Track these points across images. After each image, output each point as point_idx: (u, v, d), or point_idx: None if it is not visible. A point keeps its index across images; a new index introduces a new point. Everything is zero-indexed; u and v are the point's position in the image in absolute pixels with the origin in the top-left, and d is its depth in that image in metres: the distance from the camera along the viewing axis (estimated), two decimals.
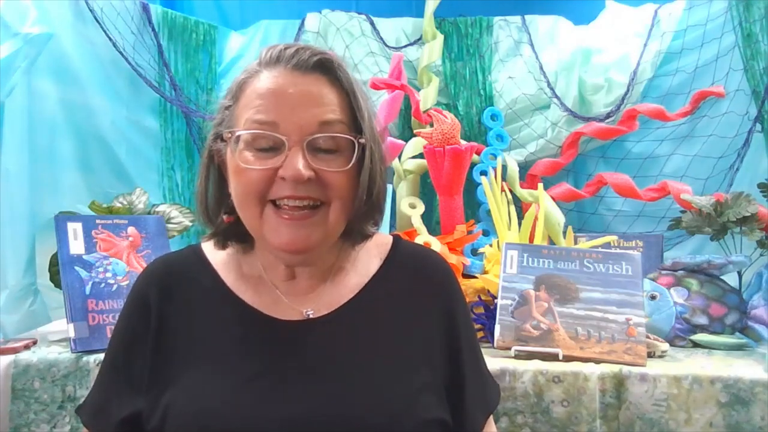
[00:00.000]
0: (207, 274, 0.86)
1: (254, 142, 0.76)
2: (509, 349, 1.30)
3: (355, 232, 0.84)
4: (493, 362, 1.18)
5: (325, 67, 0.78)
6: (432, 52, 2.02)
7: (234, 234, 0.84)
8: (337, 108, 0.77)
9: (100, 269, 1.42)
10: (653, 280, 1.59)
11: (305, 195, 0.75)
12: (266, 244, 0.79)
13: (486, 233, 1.83)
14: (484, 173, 1.83)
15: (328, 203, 0.77)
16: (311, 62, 0.77)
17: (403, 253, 0.90)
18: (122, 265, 1.45)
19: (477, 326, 1.40)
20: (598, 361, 1.26)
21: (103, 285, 1.41)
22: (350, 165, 0.77)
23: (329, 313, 0.82)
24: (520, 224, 1.59)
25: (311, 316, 0.82)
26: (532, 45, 2.07)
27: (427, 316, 0.85)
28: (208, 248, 0.88)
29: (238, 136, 0.76)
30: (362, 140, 0.78)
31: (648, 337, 1.33)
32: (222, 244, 0.86)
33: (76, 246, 1.41)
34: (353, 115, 0.79)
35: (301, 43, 0.80)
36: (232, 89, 0.81)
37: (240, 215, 0.80)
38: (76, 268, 1.39)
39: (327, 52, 0.79)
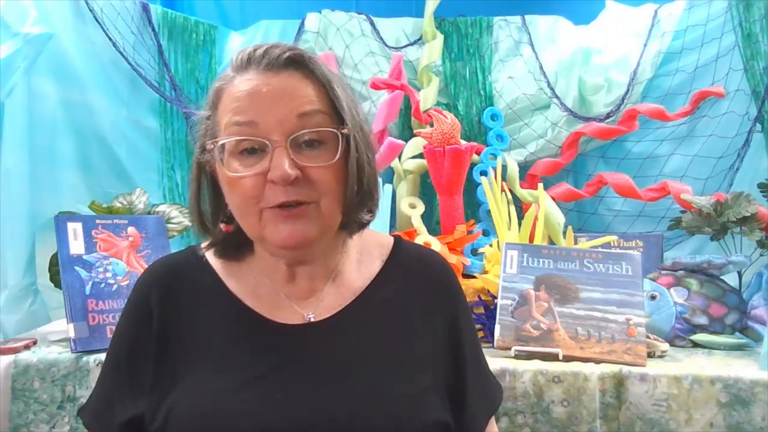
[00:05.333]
0: (208, 275, 0.85)
1: (238, 146, 0.76)
2: (509, 349, 1.30)
3: (351, 223, 0.84)
4: (493, 362, 1.18)
5: (297, 62, 0.77)
6: (432, 52, 2.02)
7: (233, 245, 0.85)
8: (315, 99, 0.77)
9: (100, 269, 1.42)
10: (653, 280, 1.58)
11: (295, 199, 0.75)
12: (267, 246, 0.79)
13: (486, 233, 1.83)
14: (484, 173, 1.83)
15: (318, 202, 0.77)
16: (282, 59, 0.77)
17: (404, 254, 0.90)
18: (122, 265, 1.45)
19: (477, 326, 1.39)
20: (598, 361, 1.25)
21: (103, 285, 1.41)
22: (336, 158, 0.76)
23: (331, 316, 0.82)
24: (520, 224, 1.59)
25: (312, 319, 0.82)
26: (532, 45, 2.07)
27: (429, 317, 0.85)
28: (209, 251, 0.88)
29: (222, 145, 0.76)
30: (344, 131, 0.77)
31: (648, 337, 1.33)
32: (220, 254, 0.86)
33: (76, 246, 1.41)
34: (333, 106, 0.78)
35: (271, 42, 0.79)
36: (210, 98, 0.81)
37: (240, 223, 0.80)
38: (76, 268, 1.39)
39: (296, 47, 0.79)
